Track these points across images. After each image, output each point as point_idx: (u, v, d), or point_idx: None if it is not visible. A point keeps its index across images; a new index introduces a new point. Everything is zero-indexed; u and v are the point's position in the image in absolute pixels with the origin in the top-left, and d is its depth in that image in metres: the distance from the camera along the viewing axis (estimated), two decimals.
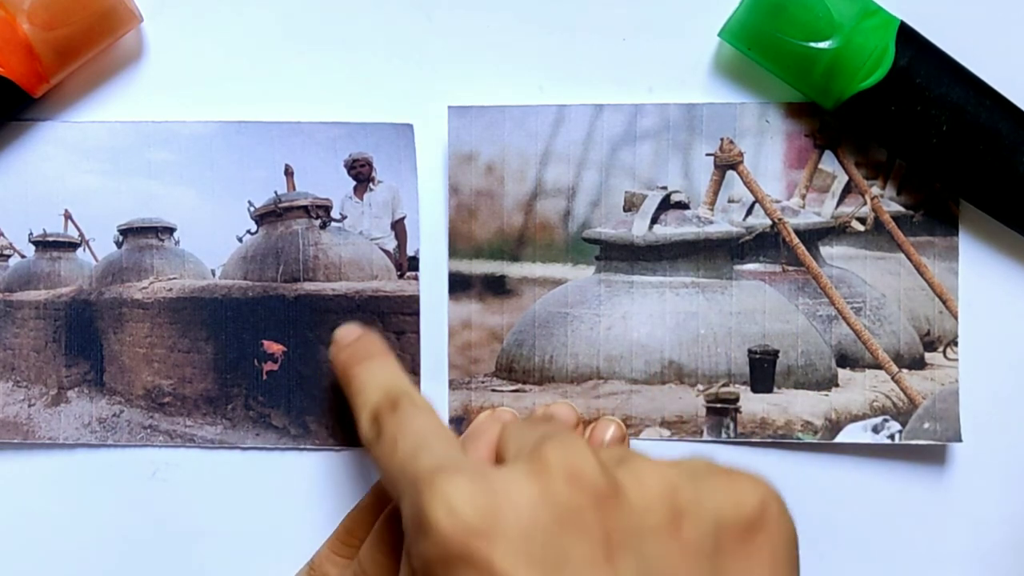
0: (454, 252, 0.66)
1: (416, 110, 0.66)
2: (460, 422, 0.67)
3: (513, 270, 0.66)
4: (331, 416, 0.67)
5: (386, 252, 0.67)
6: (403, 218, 0.67)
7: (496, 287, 0.66)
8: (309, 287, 0.67)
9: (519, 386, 0.67)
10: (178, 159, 0.66)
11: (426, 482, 0.50)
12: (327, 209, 0.67)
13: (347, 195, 0.66)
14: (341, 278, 0.67)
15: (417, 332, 0.66)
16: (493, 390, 0.67)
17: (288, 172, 0.66)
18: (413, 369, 0.66)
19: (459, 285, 0.66)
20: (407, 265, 0.67)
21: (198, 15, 0.66)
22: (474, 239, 0.66)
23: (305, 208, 0.67)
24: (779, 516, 0.52)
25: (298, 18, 0.66)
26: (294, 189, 0.66)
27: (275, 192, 0.66)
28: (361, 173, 0.66)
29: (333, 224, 0.67)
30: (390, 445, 0.55)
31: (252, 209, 0.67)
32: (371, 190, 0.66)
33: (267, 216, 0.67)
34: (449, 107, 0.65)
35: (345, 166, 0.66)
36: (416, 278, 0.66)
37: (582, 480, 0.49)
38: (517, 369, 0.67)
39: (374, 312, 0.67)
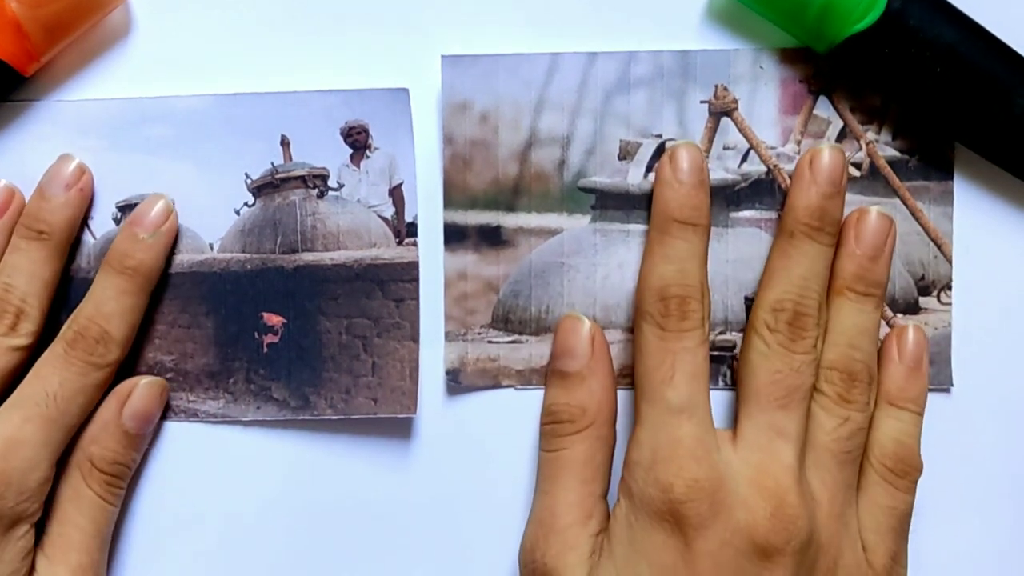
0: (449, 203, 0.66)
1: (410, 72, 0.66)
2: (457, 374, 0.67)
3: (508, 220, 0.66)
4: (329, 387, 0.67)
5: (384, 219, 0.67)
6: (400, 184, 0.66)
7: (492, 238, 0.66)
8: (308, 257, 0.67)
9: (515, 337, 0.66)
10: (174, 134, 0.66)
11: (670, 450, 0.61)
12: (324, 178, 0.67)
13: (344, 163, 0.66)
14: (340, 247, 0.67)
15: (416, 299, 0.66)
16: (490, 341, 0.67)
17: (284, 143, 0.66)
18: (413, 337, 0.66)
19: (454, 236, 0.66)
20: (405, 232, 0.67)
21: None
22: (469, 189, 0.66)
23: (302, 178, 0.67)
24: None
25: None
26: (291, 159, 0.66)
27: (271, 163, 0.66)
28: (358, 141, 0.66)
29: (331, 193, 0.67)
30: (665, 370, 0.62)
31: (249, 181, 0.66)
32: (368, 157, 0.66)
33: (264, 188, 0.66)
34: (442, 56, 0.65)
35: (341, 134, 0.66)
36: (415, 244, 0.66)
37: None
38: (513, 320, 0.66)
39: (373, 280, 0.67)
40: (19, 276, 0.63)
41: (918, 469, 0.64)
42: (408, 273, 0.67)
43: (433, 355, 0.67)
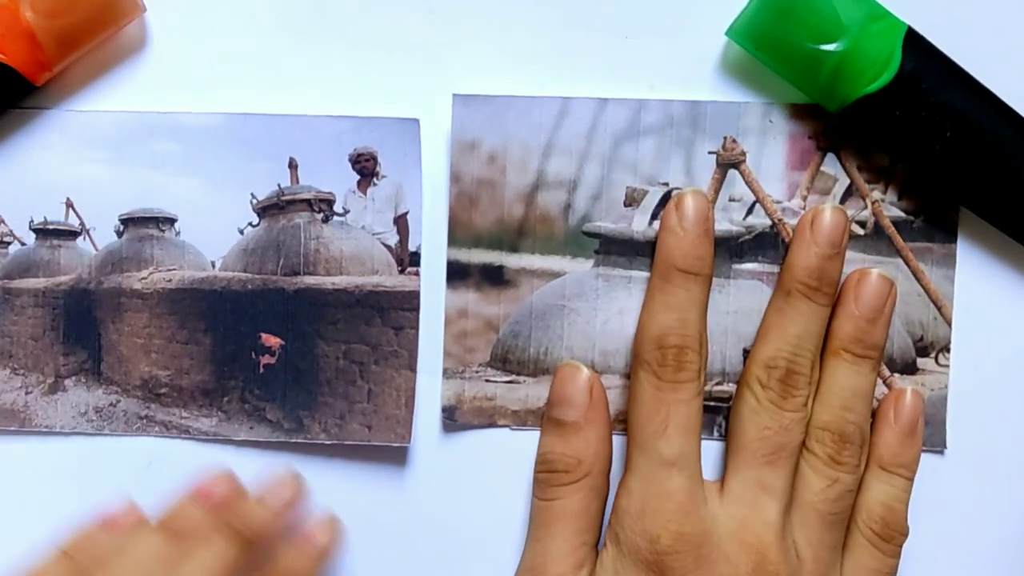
0: (453, 240, 0.66)
1: (421, 104, 0.66)
2: (453, 411, 0.67)
3: (512, 261, 0.66)
4: (324, 411, 0.67)
5: (387, 247, 0.67)
6: (406, 213, 0.66)
7: (494, 277, 0.66)
8: (309, 281, 0.67)
9: (513, 377, 0.66)
10: (182, 150, 0.66)
11: (658, 501, 0.62)
12: (330, 203, 0.67)
13: (351, 189, 0.66)
14: (342, 272, 0.67)
15: (416, 328, 0.66)
16: (487, 380, 0.66)
17: (292, 165, 0.66)
18: (410, 366, 0.66)
19: (457, 274, 0.66)
20: (408, 260, 0.67)
21: (202, 5, 0.66)
22: (473, 228, 0.66)
23: (308, 201, 0.67)
24: None
25: (304, 9, 0.66)
26: (297, 182, 0.66)
27: (278, 185, 0.66)
28: (366, 167, 0.66)
29: (335, 218, 0.67)
30: (659, 421, 0.62)
31: (254, 201, 0.66)
32: (375, 184, 0.66)
33: (269, 209, 0.67)
34: (454, 95, 0.65)
35: (350, 160, 0.66)
36: (417, 273, 0.66)
37: None
38: (512, 360, 0.66)
39: (373, 307, 0.67)
40: None
41: (904, 534, 0.64)
42: (409, 302, 0.67)
43: (430, 386, 0.67)
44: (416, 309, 0.67)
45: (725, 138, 0.65)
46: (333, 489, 0.68)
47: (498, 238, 0.66)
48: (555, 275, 0.66)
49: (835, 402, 0.63)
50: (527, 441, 0.67)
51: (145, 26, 0.66)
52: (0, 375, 0.68)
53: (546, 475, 0.64)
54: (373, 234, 0.67)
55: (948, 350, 0.66)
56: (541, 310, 0.66)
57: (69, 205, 0.67)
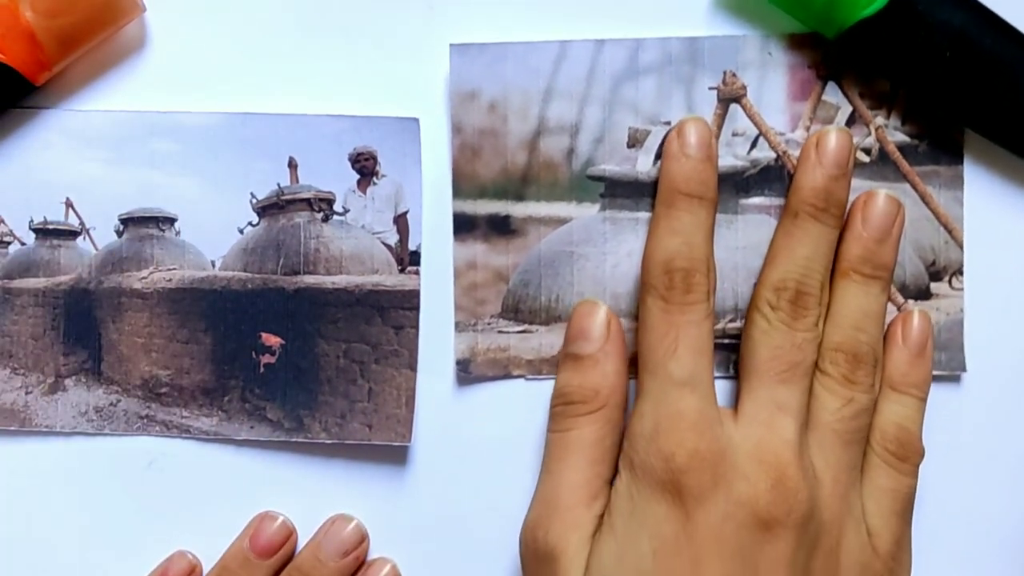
0: (458, 192, 0.66)
1: (420, 103, 0.66)
2: (467, 364, 0.66)
3: (518, 209, 0.66)
4: (324, 410, 0.66)
5: (387, 246, 0.67)
6: (406, 212, 0.66)
7: (501, 227, 0.66)
8: (309, 280, 0.67)
9: (525, 327, 0.66)
10: (181, 150, 0.66)
11: (671, 422, 0.61)
12: (330, 202, 0.67)
13: (350, 188, 0.66)
14: (341, 272, 0.66)
15: (416, 327, 0.66)
16: (499, 331, 0.66)
17: (292, 164, 0.66)
18: (410, 365, 0.66)
19: (464, 226, 0.66)
20: (408, 260, 0.66)
21: (201, 5, 0.66)
22: (478, 179, 0.66)
23: (308, 201, 0.66)
24: None
25: (303, 9, 0.66)
26: (297, 181, 0.66)
27: (278, 184, 0.66)
28: (365, 167, 0.66)
29: (335, 218, 0.67)
30: (668, 343, 0.62)
31: (254, 201, 0.66)
32: (375, 184, 0.66)
33: (269, 208, 0.66)
34: (451, 45, 0.65)
35: (349, 159, 0.66)
36: (417, 273, 0.66)
37: None
38: (523, 309, 0.66)
39: (373, 306, 0.66)
40: None
41: (920, 453, 0.64)
42: (409, 301, 0.66)
43: (434, 384, 0.67)
44: (416, 308, 0.66)
45: (725, 73, 0.65)
46: (333, 489, 0.67)
47: (503, 187, 0.66)
48: (562, 221, 0.66)
49: (846, 323, 0.63)
50: (527, 441, 0.67)
51: (145, 26, 0.67)
52: (0, 375, 0.67)
53: (562, 407, 0.64)
54: (373, 233, 0.67)
55: (961, 273, 0.66)
56: (550, 257, 0.66)
57: (69, 205, 0.67)
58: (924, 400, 0.64)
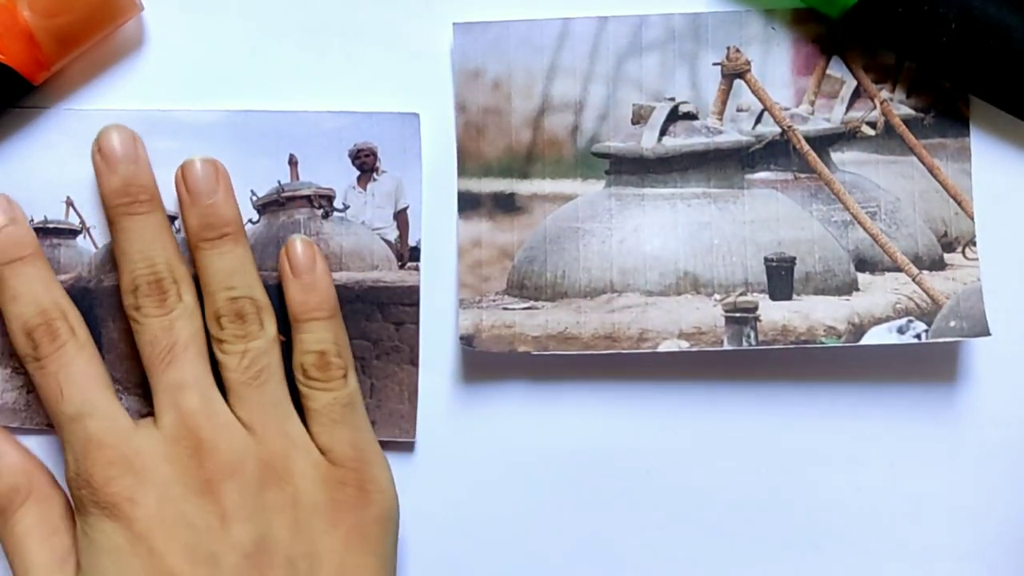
0: (463, 171, 0.65)
1: (420, 99, 0.67)
2: (471, 340, 0.65)
3: (523, 187, 0.65)
4: None
5: (387, 242, 0.66)
6: (406, 208, 0.66)
7: (506, 205, 0.66)
8: None
9: (531, 303, 0.65)
10: (181, 148, 0.66)
11: (83, 449, 0.62)
12: (330, 199, 0.66)
13: (350, 185, 0.66)
14: (342, 268, 0.66)
15: (416, 323, 0.66)
16: (505, 308, 0.65)
17: (292, 162, 0.66)
18: (412, 361, 0.66)
19: (469, 204, 0.65)
20: (408, 256, 0.66)
21: (199, 3, 0.67)
22: (483, 157, 0.66)
23: (308, 198, 0.66)
24: None
25: (302, 6, 0.67)
26: (298, 178, 0.66)
27: (278, 181, 0.66)
28: (365, 163, 0.66)
29: (335, 214, 0.66)
30: (55, 390, 0.63)
31: (255, 198, 0.66)
32: (375, 180, 0.66)
33: (269, 205, 0.66)
34: (454, 24, 0.65)
35: (349, 156, 0.66)
36: (417, 269, 0.66)
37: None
38: (529, 286, 0.65)
39: (374, 303, 0.66)
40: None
41: (340, 366, 0.65)
42: (409, 297, 0.66)
43: (436, 380, 0.67)
44: (416, 304, 0.66)
45: (728, 48, 0.65)
46: None
47: (508, 165, 0.66)
48: (567, 198, 0.66)
49: (215, 288, 0.64)
50: (528, 441, 0.67)
51: (143, 24, 0.67)
52: (1, 374, 0.66)
53: None
54: (373, 229, 0.67)
55: (974, 243, 0.65)
56: (555, 234, 0.66)
57: (69, 204, 0.67)
58: (330, 317, 0.65)
